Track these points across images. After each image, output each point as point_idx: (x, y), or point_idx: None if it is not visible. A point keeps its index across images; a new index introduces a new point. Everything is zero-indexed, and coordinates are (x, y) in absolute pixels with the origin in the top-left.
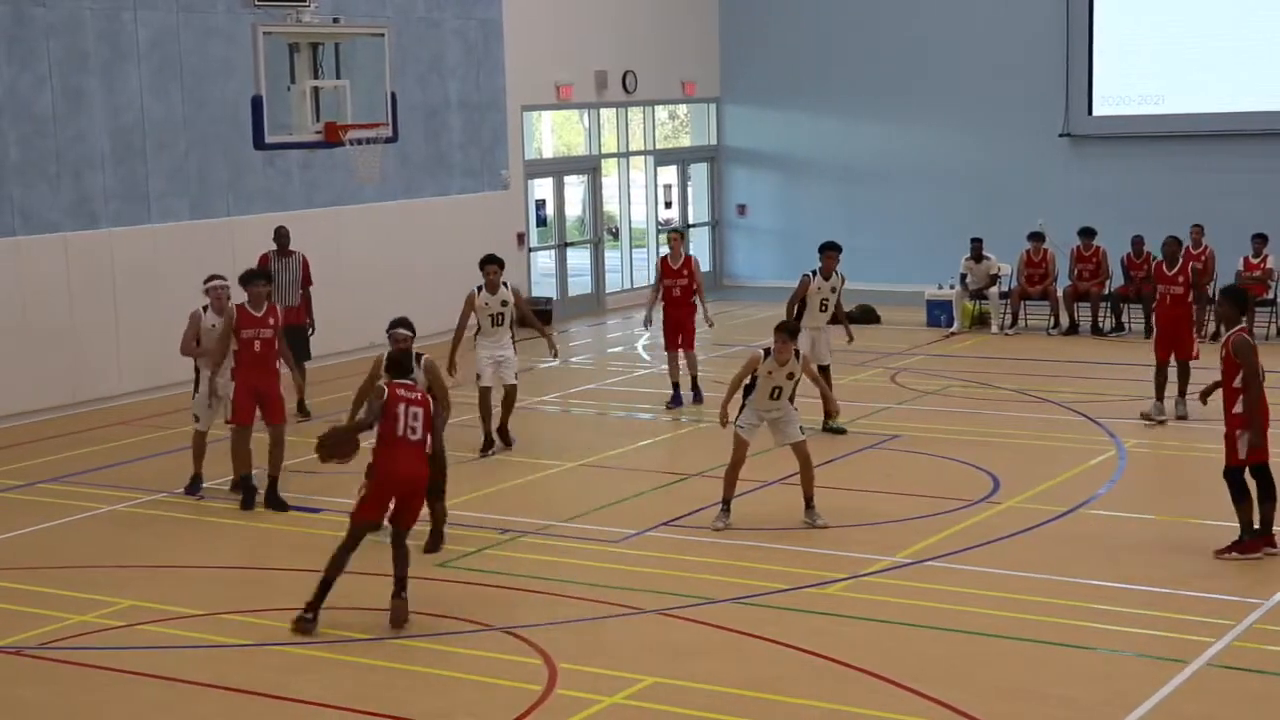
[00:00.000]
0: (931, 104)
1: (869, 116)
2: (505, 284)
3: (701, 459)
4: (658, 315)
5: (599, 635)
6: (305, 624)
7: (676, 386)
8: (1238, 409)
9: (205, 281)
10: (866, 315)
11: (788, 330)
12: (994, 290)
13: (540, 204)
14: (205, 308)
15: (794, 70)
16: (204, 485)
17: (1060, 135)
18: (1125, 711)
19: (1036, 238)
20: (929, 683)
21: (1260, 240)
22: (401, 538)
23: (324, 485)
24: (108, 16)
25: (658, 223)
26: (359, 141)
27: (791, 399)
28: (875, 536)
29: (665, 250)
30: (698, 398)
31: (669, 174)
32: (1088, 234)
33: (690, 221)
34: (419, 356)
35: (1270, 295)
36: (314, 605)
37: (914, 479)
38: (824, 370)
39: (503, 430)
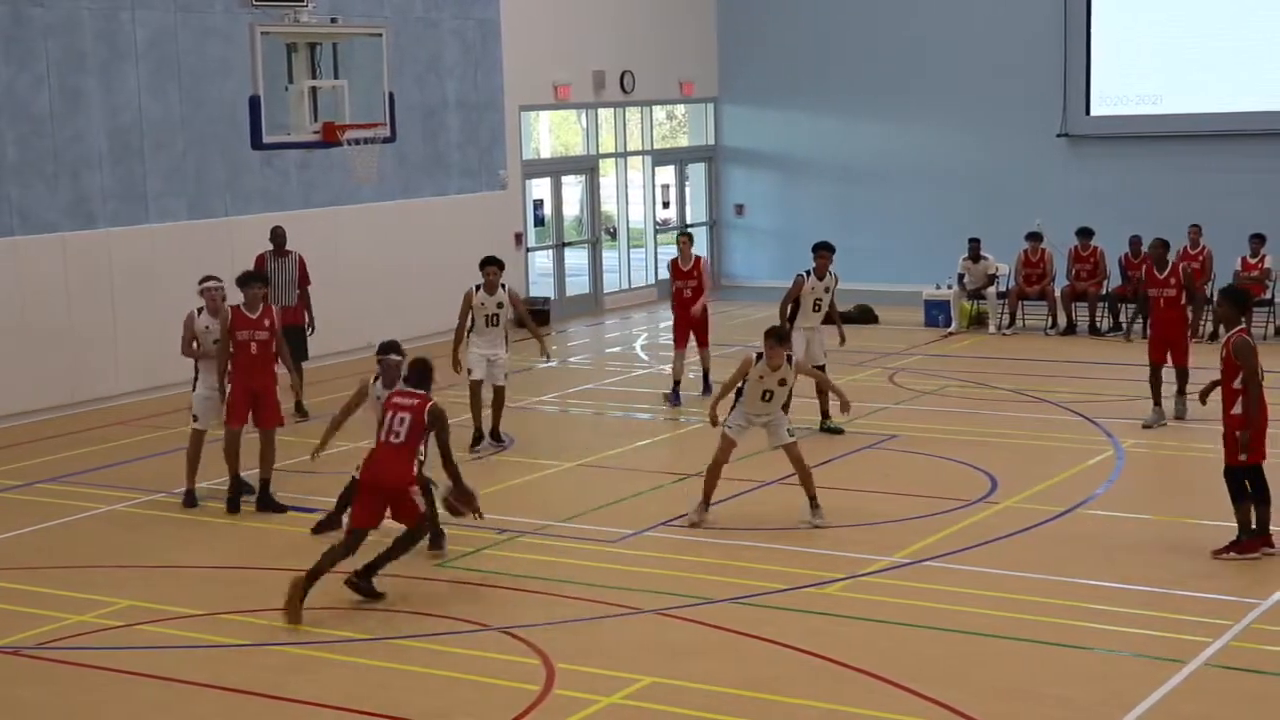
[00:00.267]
0: (930, 104)
1: (867, 116)
2: (503, 286)
3: (700, 459)
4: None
5: (597, 635)
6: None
7: (677, 384)
8: (1237, 409)
9: (200, 283)
10: (864, 315)
11: (776, 335)
12: (992, 290)
13: (538, 204)
14: (200, 309)
15: (792, 70)
16: (197, 495)
17: (1058, 135)
18: (1123, 711)
19: (1034, 238)
20: (926, 683)
21: (1258, 240)
22: (407, 535)
23: (322, 485)
24: (105, 16)
25: (655, 223)
26: (357, 141)
27: (786, 407)
28: (873, 537)
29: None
30: (707, 389)
31: (667, 174)
32: (1085, 234)
33: (688, 221)
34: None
35: (1268, 295)
36: (309, 578)
37: (912, 479)
38: (819, 371)
39: (495, 433)
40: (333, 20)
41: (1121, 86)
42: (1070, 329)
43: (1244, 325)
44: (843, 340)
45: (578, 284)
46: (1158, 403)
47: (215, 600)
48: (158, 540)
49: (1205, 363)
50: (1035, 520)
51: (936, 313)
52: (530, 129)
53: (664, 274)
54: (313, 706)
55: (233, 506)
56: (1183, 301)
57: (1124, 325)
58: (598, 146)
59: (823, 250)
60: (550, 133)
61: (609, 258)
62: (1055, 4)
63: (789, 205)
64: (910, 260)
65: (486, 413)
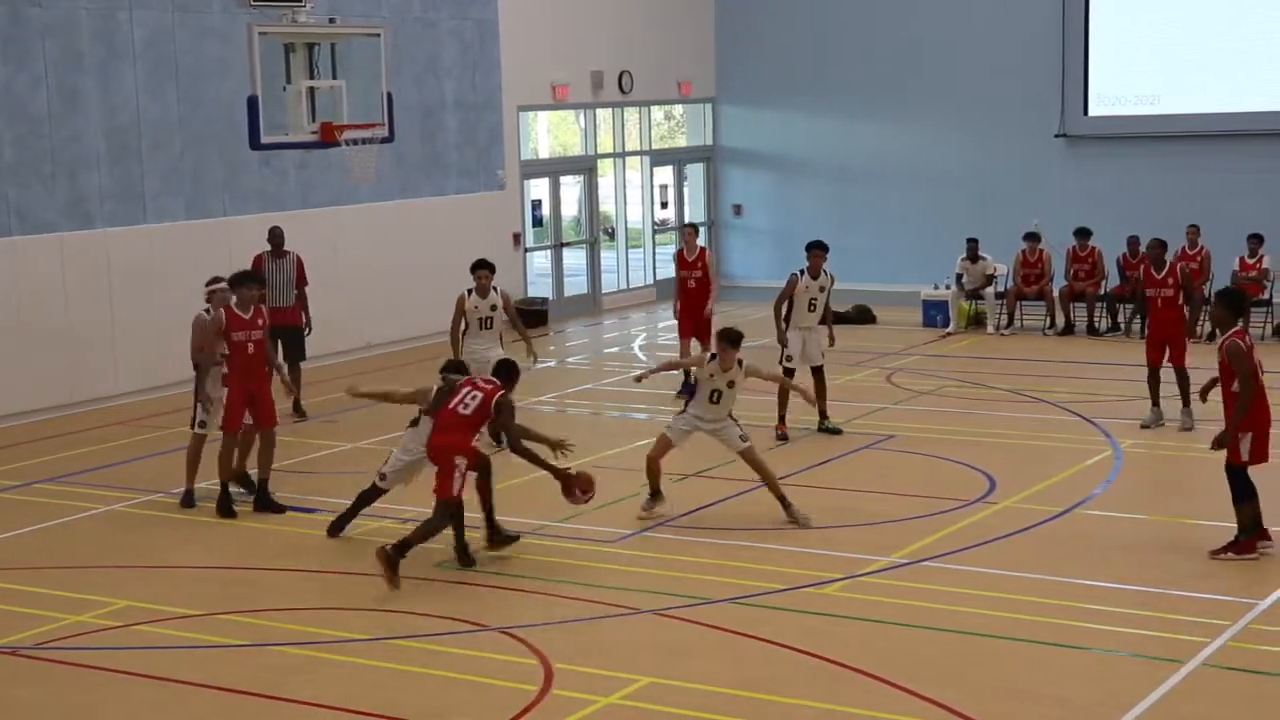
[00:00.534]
0: (927, 104)
1: (865, 116)
2: (495, 289)
3: (698, 459)
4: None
5: (595, 635)
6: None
7: (688, 373)
8: (1236, 412)
9: (207, 285)
10: (862, 315)
11: (729, 339)
12: (990, 290)
13: (536, 204)
14: (207, 310)
15: (790, 70)
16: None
17: (1056, 135)
18: (1120, 711)
19: (1032, 238)
20: (924, 683)
21: (1256, 240)
22: (441, 508)
23: (320, 486)
24: (103, 16)
25: (654, 223)
26: (355, 142)
27: (730, 413)
28: (871, 537)
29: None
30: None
31: (665, 174)
32: (1083, 234)
33: (686, 222)
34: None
35: (1266, 295)
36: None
37: (909, 479)
38: (817, 371)
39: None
40: (331, 20)
41: (1119, 87)
42: (1068, 329)
43: (1240, 327)
44: (831, 341)
45: (576, 284)
46: (1156, 403)
47: (213, 600)
48: (156, 540)
49: (1203, 363)
50: (1033, 520)
51: (934, 313)
52: (528, 129)
53: (663, 274)
54: (310, 707)
55: (227, 512)
56: (1180, 302)
57: (1122, 325)
58: (596, 147)
59: (816, 249)
60: (548, 133)
61: (607, 258)
62: (1053, 4)
63: (787, 205)
64: (908, 260)
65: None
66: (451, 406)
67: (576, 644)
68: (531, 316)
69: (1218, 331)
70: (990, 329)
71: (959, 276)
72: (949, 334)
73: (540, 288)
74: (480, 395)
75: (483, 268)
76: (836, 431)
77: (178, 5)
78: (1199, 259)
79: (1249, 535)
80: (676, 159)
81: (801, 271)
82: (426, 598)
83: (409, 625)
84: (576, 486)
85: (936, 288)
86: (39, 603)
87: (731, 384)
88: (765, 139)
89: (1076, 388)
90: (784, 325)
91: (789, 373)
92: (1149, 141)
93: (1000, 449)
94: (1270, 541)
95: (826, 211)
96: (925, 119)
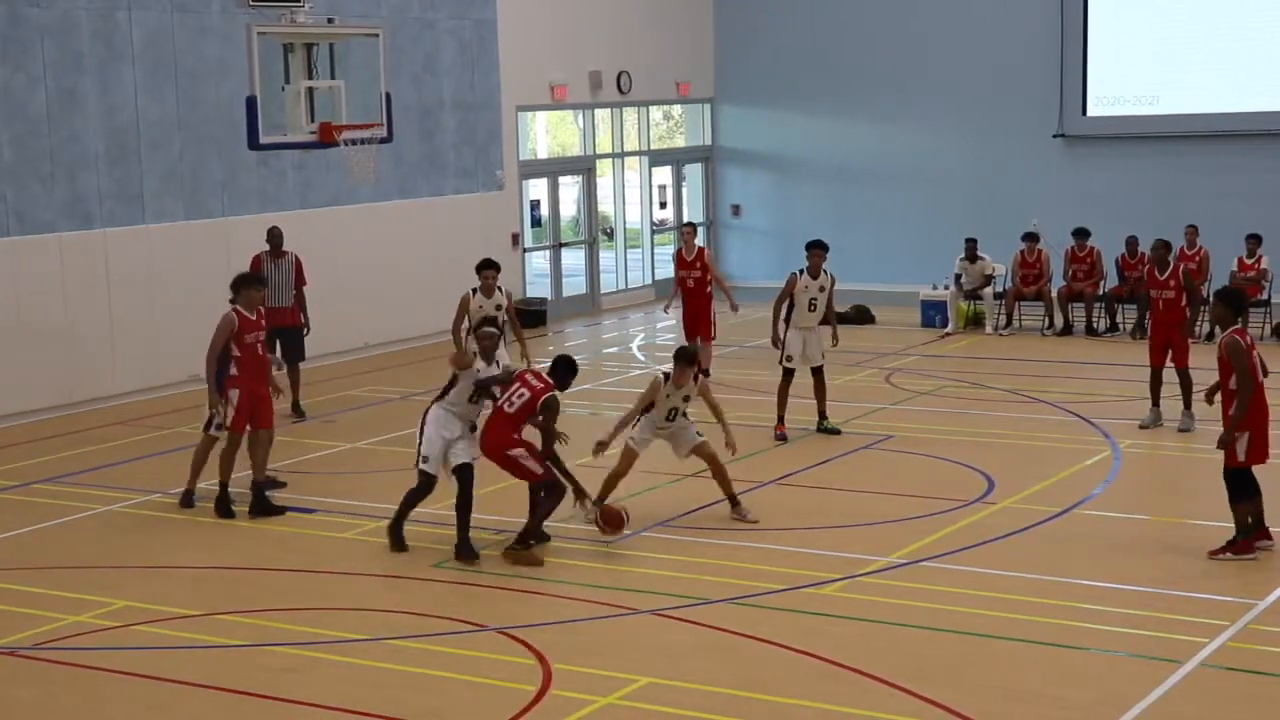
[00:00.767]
0: (926, 104)
1: (864, 117)
2: (500, 288)
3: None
4: (676, 306)
5: (593, 635)
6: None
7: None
8: (1235, 410)
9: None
10: (861, 315)
11: (685, 358)
12: (988, 291)
13: (535, 204)
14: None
15: (789, 70)
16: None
17: (1055, 135)
18: (1119, 711)
19: (1031, 238)
20: (923, 683)
21: (1254, 241)
22: (541, 489)
23: (319, 486)
24: (102, 16)
25: (652, 223)
26: (354, 142)
27: (685, 414)
28: (870, 537)
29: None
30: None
31: (664, 174)
32: (1082, 234)
33: (685, 222)
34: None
35: (1264, 295)
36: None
37: (908, 479)
38: (817, 371)
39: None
40: (329, 20)
41: (1118, 87)
42: (1067, 329)
43: (1240, 326)
44: (835, 341)
45: (574, 284)
46: (1156, 404)
47: (212, 600)
48: (154, 540)
49: (1204, 363)
50: (1032, 520)
51: (933, 313)
52: (527, 129)
53: (662, 274)
54: (309, 707)
55: (226, 512)
56: (1182, 303)
57: (1120, 326)
58: (594, 147)
59: (815, 249)
60: (547, 133)
61: (606, 258)
62: (1052, 4)
63: (785, 205)
64: (907, 260)
65: (486, 413)
66: (500, 407)
67: (575, 644)
68: (530, 317)
69: (1217, 330)
70: (989, 329)
71: (958, 277)
72: (948, 334)
73: (539, 288)
74: (528, 394)
75: (489, 267)
76: (835, 432)
77: (177, 5)
78: (1197, 259)
79: (1247, 535)
80: (675, 159)
81: (801, 271)
82: (425, 597)
83: (407, 625)
84: (608, 524)
85: (935, 288)
86: (38, 603)
87: (687, 398)
88: (763, 139)
89: (1075, 388)
90: (784, 325)
91: (789, 373)
92: (1147, 142)
93: (999, 449)
94: (1270, 541)
95: (825, 212)
96: (924, 119)
